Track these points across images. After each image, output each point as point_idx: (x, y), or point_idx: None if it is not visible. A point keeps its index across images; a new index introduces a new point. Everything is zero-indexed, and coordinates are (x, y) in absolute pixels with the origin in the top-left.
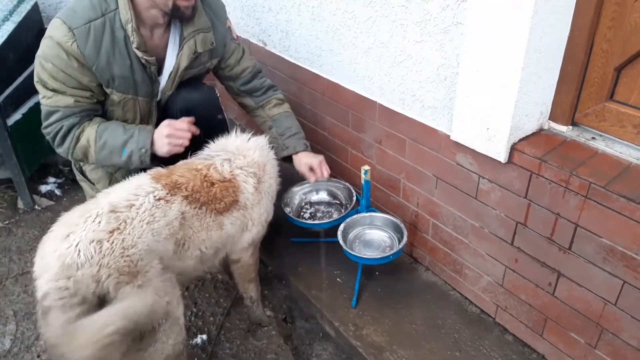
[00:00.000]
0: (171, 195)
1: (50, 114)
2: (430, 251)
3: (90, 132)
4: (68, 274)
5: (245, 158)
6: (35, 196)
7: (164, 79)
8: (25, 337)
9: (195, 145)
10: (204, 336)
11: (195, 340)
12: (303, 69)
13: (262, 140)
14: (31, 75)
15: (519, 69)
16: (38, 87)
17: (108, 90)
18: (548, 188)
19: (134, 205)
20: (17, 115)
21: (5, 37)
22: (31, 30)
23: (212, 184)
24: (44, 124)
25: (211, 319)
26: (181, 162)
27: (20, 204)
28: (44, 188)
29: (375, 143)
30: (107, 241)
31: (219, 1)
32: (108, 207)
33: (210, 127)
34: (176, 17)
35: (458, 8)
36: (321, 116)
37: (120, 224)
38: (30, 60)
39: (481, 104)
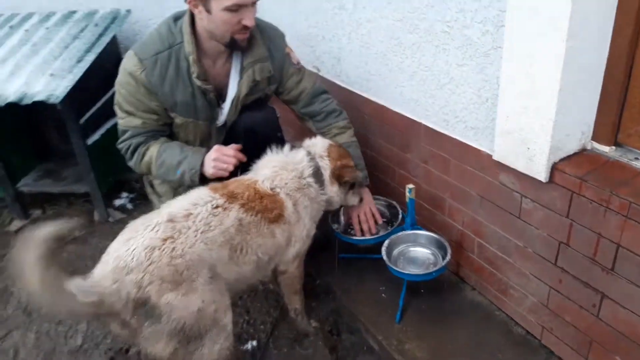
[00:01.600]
0: (229, 203)
1: (123, 132)
2: (476, 270)
3: (153, 151)
4: (117, 276)
5: (282, 179)
6: (109, 209)
7: (227, 105)
8: (95, 335)
9: (251, 161)
10: (254, 342)
11: (246, 346)
12: (353, 93)
13: (300, 163)
14: (108, 100)
15: (556, 90)
16: (115, 109)
17: (172, 114)
18: (589, 208)
19: (191, 214)
20: (95, 136)
21: (87, 66)
22: (110, 60)
23: (262, 196)
24: (119, 140)
25: (261, 327)
26: (232, 179)
27: (95, 216)
28: (117, 202)
29: (421, 163)
30: (159, 249)
31: (277, 31)
32: (167, 216)
33: (267, 143)
34: (233, 48)
35: (497, 33)
36: (370, 137)
37: (174, 233)
38: (108, 87)
39: (521, 125)
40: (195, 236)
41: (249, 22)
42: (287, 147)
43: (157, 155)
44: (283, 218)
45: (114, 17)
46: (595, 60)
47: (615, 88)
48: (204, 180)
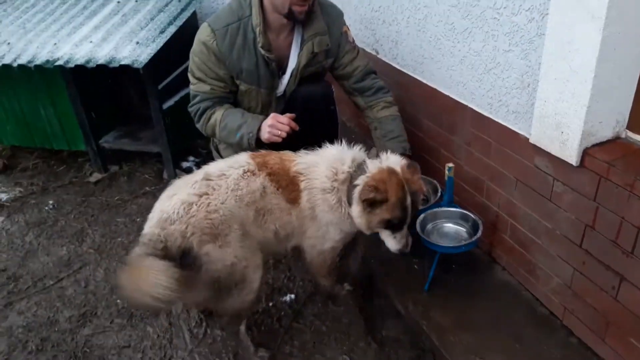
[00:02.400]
0: (259, 169)
1: (193, 97)
2: (508, 251)
3: (217, 115)
4: (163, 225)
5: (315, 172)
6: (177, 170)
7: (287, 76)
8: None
9: (305, 131)
10: (292, 296)
11: (284, 298)
12: (407, 75)
13: (341, 166)
14: (184, 70)
15: (591, 78)
16: (189, 75)
17: (237, 82)
18: (614, 192)
19: (225, 174)
20: (170, 102)
21: (168, 37)
22: (189, 33)
23: (288, 175)
24: (190, 104)
25: (300, 283)
26: (285, 151)
27: (165, 175)
28: (184, 164)
29: (464, 145)
30: (196, 204)
31: (336, 8)
32: (203, 175)
33: (322, 115)
34: (292, 19)
35: (542, 20)
36: (419, 119)
37: (209, 190)
38: (185, 58)
39: (557, 109)
40: (227, 193)
41: None
42: (351, 150)
43: (221, 119)
44: (298, 204)
45: None
46: (632, 51)
47: None
48: (260, 144)
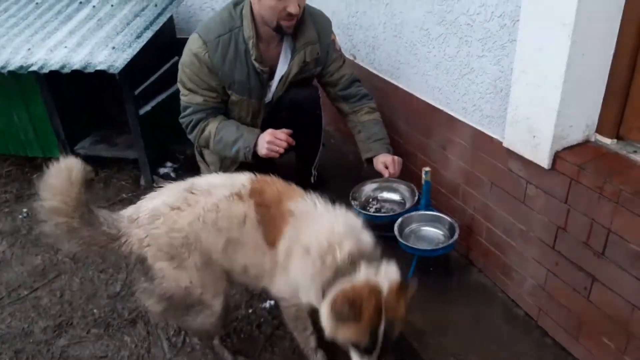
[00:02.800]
0: (249, 196)
1: (185, 108)
2: (484, 253)
3: (212, 127)
4: (129, 225)
5: (300, 235)
6: (154, 176)
7: (275, 83)
8: (133, 284)
9: (296, 138)
10: (272, 302)
11: (264, 304)
12: (384, 80)
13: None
14: (161, 75)
15: (561, 83)
16: (179, 86)
17: (229, 92)
18: (585, 194)
19: (210, 192)
20: (147, 107)
21: (144, 42)
22: (165, 38)
23: (278, 213)
24: (181, 115)
25: None
26: (292, 185)
27: (142, 181)
28: (162, 170)
29: (440, 149)
30: (163, 216)
31: (325, 17)
32: (189, 185)
33: (307, 119)
34: (280, 33)
35: (513, 27)
36: (396, 123)
37: (183, 204)
38: (162, 63)
39: (529, 114)
40: (200, 213)
41: (292, 9)
42: (358, 239)
43: (215, 132)
44: (275, 248)
45: None
46: (600, 57)
47: (619, 84)
48: (255, 156)
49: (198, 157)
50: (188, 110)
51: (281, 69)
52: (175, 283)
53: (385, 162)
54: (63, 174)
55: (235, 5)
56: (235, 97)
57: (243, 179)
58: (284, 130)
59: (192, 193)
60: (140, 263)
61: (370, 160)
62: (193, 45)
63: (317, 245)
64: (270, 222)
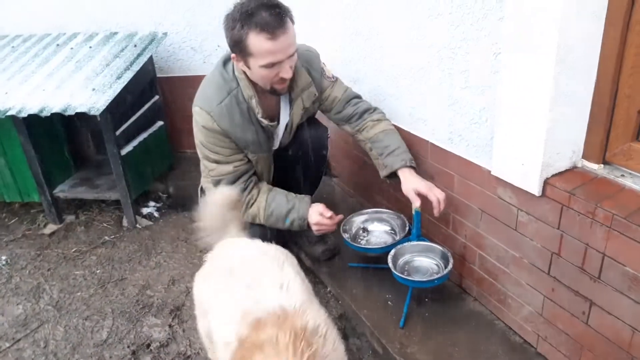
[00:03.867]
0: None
1: (217, 182)
2: (477, 281)
3: (260, 202)
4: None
5: None
6: (137, 217)
7: (280, 132)
8: (120, 330)
9: (298, 173)
10: None
11: None
12: None
13: None
14: (142, 115)
15: (546, 112)
16: (205, 162)
17: (245, 152)
18: (577, 220)
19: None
20: (129, 147)
21: (125, 82)
22: (146, 77)
23: None
24: None
25: None
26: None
27: (124, 222)
28: (145, 210)
29: (428, 178)
30: None
31: (312, 52)
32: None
33: (312, 160)
34: (275, 94)
35: (495, 59)
36: None
37: None
38: (143, 103)
39: (516, 143)
40: None
41: (285, 74)
42: None
43: (265, 207)
44: None
45: (152, 39)
46: (583, 85)
47: (602, 111)
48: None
49: (200, 195)
50: (222, 185)
51: (284, 118)
52: None
53: (416, 189)
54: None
55: (224, 65)
56: (251, 156)
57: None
58: (335, 218)
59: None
60: None
61: (391, 176)
62: (199, 119)
63: None
64: None
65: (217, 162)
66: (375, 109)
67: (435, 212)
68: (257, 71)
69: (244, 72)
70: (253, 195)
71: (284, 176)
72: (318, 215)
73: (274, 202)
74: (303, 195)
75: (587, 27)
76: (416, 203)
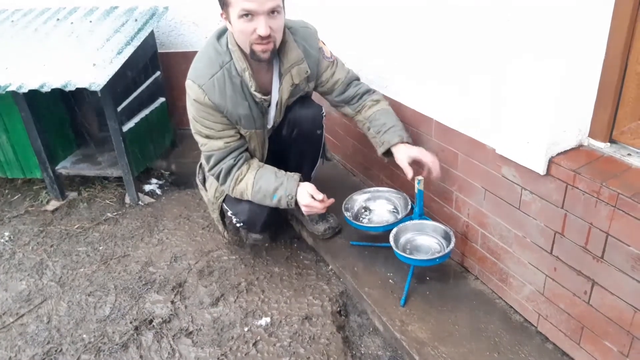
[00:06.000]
0: None
1: (209, 158)
2: (479, 260)
3: (249, 178)
4: None
5: None
6: (139, 194)
7: (272, 110)
8: (122, 306)
9: (294, 155)
10: (268, 319)
11: (259, 321)
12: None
13: None
14: (143, 90)
15: (553, 89)
16: (197, 137)
17: (237, 128)
18: (582, 199)
19: None
20: (130, 124)
21: (126, 58)
22: (147, 53)
23: None
24: (207, 167)
25: (275, 305)
26: None
27: (127, 199)
28: (147, 187)
29: None
30: None
31: (309, 28)
32: None
33: (307, 140)
34: (256, 60)
35: (503, 35)
36: None
37: None
38: (145, 79)
39: (522, 121)
40: None
41: (261, 30)
42: None
43: (253, 183)
44: None
45: (153, 14)
46: (591, 62)
47: (610, 88)
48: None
49: (200, 186)
50: (212, 160)
51: (275, 96)
52: None
53: (412, 157)
54: None
55: (218, 38)
56: (243, 131)
57: None
58: (325, 202)
59: None
60: None
61: (388, 153)
62: (190, 92)
63: None
64: None
65: (208, 137)
66: (374, 90)
67: (435, 173)
68: (236, 25)
69: (237, 45)
70: (242, 171)
71: (279, 157)
72: (308, 196)
73: (262, 179)
74: (292, 173)
75: (596, 1)
76: (409, 174)
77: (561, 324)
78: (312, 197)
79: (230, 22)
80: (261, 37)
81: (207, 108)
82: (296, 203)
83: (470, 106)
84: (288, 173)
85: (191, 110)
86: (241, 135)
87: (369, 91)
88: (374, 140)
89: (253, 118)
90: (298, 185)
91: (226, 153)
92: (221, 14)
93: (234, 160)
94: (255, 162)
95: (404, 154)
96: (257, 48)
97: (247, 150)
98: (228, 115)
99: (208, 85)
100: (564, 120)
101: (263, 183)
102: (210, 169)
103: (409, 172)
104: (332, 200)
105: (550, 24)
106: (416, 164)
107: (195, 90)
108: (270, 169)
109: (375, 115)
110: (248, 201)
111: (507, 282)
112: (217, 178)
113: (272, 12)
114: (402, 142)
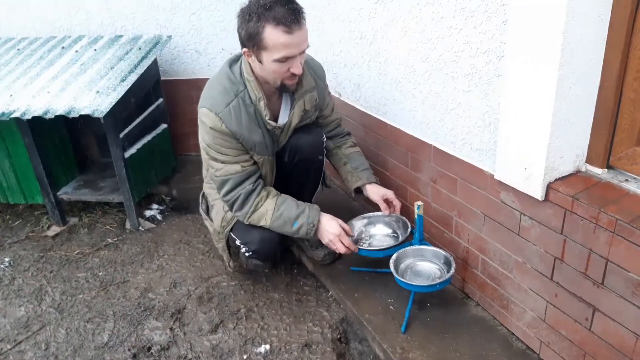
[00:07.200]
0: None
1: (224, 182)
2: (480, 286)
3: (270, 204)
4: None
5: None
6: (140, 219)
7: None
8: (121, 333)
9: (295, 180)
10: (267, 346)
11: (258, 349)
12: (371, 117)
13: None
14: (145, 118)
15: (550, 115)
16: (211, 163)
17: (250, 154)
18: (581, 224)
19: None
20: (132, 150)
21: (129, 85)
22: (150, 80)
23: None
24: (222, 192)
25: (274, 332)
26: None
27: (127, 225)
28: (148, 213)
29: (430, 182)
30: None
31: (318, 63)
32: None
33: (309, 166)
34: (285, 91)
35: (499, 62)
36: (384, 158)
37: None
38: (147, 106)
39: (519, 147)
40: None
41: (296, 70)
42: None
43: (274, 208)
44: None
45: (156, 42)
46: (586, 89)
47: (606, 115)
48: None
49: (204, 216)
50: (229, 184)
51: (283, 119)
52: None
53: (383, 195)
54: None
55: (230, 66)
56: (256, 157)
57: None
58: (351, 245)
59: None
60: None
61: (359, 190)
62: (206, 120)
63: None
64: None
65: (224, 162)
66: (351, 134)
67: (397, 212)
68: (269, 66)
69: (253, 73)
70: (262, 198)
71: (280, 182)
72: (339, 228)
73: (283, 205)
74: (312, 204)
75: (591, 30)
76: (384, 208)
77: (563, 351)
78: (344, 230)
79: (260, 62)
80: (295, 75)
81: (224, 135)
82: (315, 233)
83: (467, 132)
84: (307, 202)
85: (206, 138)
86: (254, 160)
87: (349, 133)
88: (351, 174)
89: (266, 145)
90: (321, 215)
91: (244, 177)
92: (245, 52)
93: (253, 186)
94: (273, 190)
95: (377, 194)
96: (289, 82)
97: (261, 176)
98: (244, 142)
99: (225, 113)
100: (561, 146)
101: (285, 209)
102: (226, 193)
103: (384, 207)
104: (356, 248)
105: (546, 50)
106: (385, 202)
107: (212, 118)
108: (290, 197)
109: (354, 155)
110: (259, 230)
111: (508, 308)
112: (233, 203)
113: (302, 53)
114: (375, 183)
